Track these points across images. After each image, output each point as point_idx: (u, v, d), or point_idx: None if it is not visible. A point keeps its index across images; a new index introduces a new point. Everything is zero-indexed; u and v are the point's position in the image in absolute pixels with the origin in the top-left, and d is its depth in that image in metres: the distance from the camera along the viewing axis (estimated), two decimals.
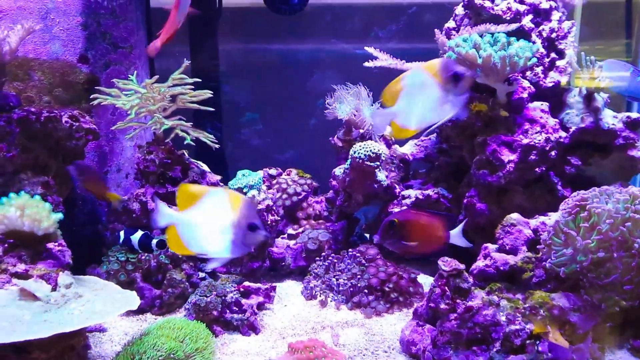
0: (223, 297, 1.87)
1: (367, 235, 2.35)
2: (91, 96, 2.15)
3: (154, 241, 1.93)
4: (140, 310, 2.02)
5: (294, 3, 2.69)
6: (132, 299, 1.67)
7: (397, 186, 2.29)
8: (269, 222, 2.15)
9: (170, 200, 2.17)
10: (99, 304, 1.59)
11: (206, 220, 1.33)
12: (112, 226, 2.17)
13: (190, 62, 2.90)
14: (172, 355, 1.53)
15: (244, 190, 2.10)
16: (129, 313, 2.02)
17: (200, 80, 2.24)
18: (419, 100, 1.50)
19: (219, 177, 2.32)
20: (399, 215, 1.70)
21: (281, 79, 3.29)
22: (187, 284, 2.04)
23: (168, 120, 2.14)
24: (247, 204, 1.34)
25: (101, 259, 2.09)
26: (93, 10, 2.32)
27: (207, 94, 2.17)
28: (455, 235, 1.65)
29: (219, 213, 1.32)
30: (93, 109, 2.30)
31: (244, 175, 2.14)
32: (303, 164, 2.97)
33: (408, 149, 2.44)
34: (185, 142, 2.12)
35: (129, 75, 2.24)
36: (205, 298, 1.84)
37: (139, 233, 1.99)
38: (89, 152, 2.30)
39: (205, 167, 2.34)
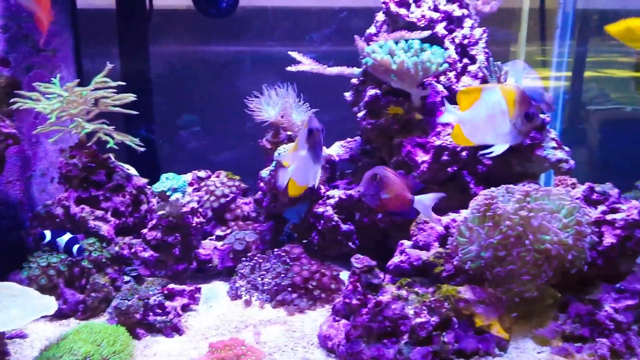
0: (145, 300, 1.88)
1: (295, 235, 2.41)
2: (11, 100, 2.12)
3: (75, 247, 1.93)
4: (63, 315, 2.02)
5: (222, 7, 2.72)
6: (50, 304, 1.67)
7: (322, 187, 2.36)
8: (193, 225, 2.18)
9: (94, 204, 2.18)
10: (15, 310, 1.59)
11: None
12: (34, 231, 2.15)
13: (120, 64, 2.91)
14: (88, 359, 1.54)
15: (168, 194, 2.12)
16: (52, 318, 2.01)
17: (125, 83, 2.24)
18: (487, 118, 1.58)
19: (145, 180, 2.33)
20: (379, 171, 1.78)
21: (217, 81, 3.31)
22: (111, 288, 2.04)
23: (90, 124, 2.13)
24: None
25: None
26: (14, 13, 2.28)
27: (130, 97, 2.18)
28: (419, 201, 1.73)
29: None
30: (15, 113, 2.26)
31: (167, 178, 2.16)
32: (239, 165, 3.01)
33: (334, 150, 2.50)
34: (108, 146, 2.12)
35: (52, 79, 2.22)
36: (126, 301, 1.85)
37: (67, 236, 1.99)
38: (10, 157, 2.26)
39: (132, 170, 2.35)
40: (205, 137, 3.48)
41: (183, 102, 3.38)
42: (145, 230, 2.16)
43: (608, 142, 3.28)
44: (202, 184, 2.53)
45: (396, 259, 1.93)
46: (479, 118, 1.58)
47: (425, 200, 1.70)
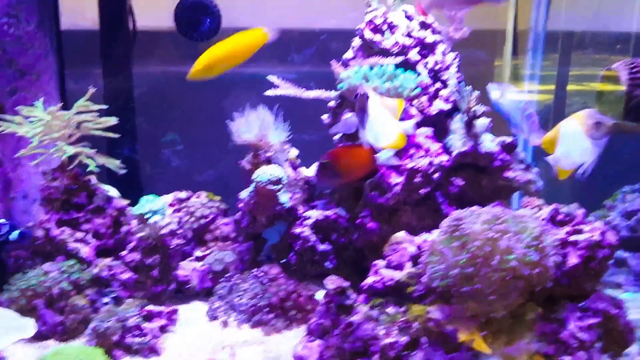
0: (124, 322, 1.92)
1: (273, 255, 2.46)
2: None
3: (15, 232, 1.97)
4: (43, 337, 2.04)
5: (203, 30, 2.77)
6: (29, 326, 1.70)
7: (300, 207, 2.41)
8: (172, 246, 2.22)
9: (74, 226, 2.21)
10: None
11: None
12: (14, 254, 2.17)
13: (103, 84, 2.95)
14: None
15: (147, 216, 2.16)
16: (32, 340, 2.03)
17: (108, 106, 2.29)
18: (571, 145, 1.84)
19: (126, 202, 2.37)
20: (328, 155, 1.85)
21: (201, 101, 3.36)
22: (90, 309, 2.07)
23: (72, 147, 2.17)
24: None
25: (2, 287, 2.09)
26: None
27: (111, 120, 2.23)
28: (382, 156, 1.84)
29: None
30: None
31: (147, 201, 2.20)
32: (222, 185, 3.04)
33: (313, 171, 2.55)
34: (88, 170, 2.16)
35: (35, 102, 2.26)
36: (104, 323, 1.88)
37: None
38: None
39: (113, 192, 2.38)
40: (188, 156, 3.52)
41: (166, 122, 3.43)
42: (124, 253, 2.20)
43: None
44: (183, 204, 2.56)
45: (370, 279, 1.97)
46: (568, 150, 1.85)
47: (384, 153, 1.89)
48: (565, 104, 3.37)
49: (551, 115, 3.34)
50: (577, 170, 1.92)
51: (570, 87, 3.37)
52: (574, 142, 1.84)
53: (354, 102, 1.81)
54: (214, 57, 2.01)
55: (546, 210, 1.94)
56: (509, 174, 2.19)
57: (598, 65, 3.31)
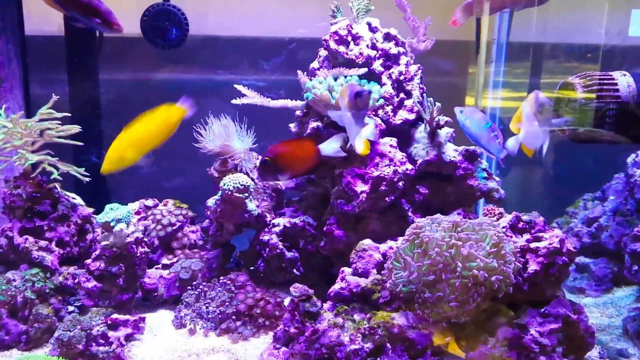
0: (88, 331, 1.90)
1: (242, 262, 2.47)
2: None
3: None
4: (6, 346, 2.01)
5: (170, 38, 2.77)
6: None
7: (268, 215, 2.42)
8: (138, 255, 2.20)
9: (38, 234, 2.19)
10: None
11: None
12: None
13: (69, 90, 2.92)
14: None
15: (112, 225, 2.14)
16: None
17: (70, 114, 2.27)
18: (527, 125, 1.98)
19: (91, 210, 2.35)
20: (269, 153, 1.85)
21: None
22: (54, 318, 2.05)
23: (34, 155, 2.15)
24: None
25: None
26: None
27: (74, 128, 2.21)
28: (325, 148, 1.87)
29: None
30: None
31: (111, 209, 2.18)
32: (190, 192, 3.03)
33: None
34: (52, 177, 2.14)
35: None
36: (68, 332, 1.86)
37: None
38: None
39: (78, 200, 2.36)
40: (156, 163, 3.49)
41: None
42: (89, 261, 2.18)
43: (562, 161, 3.41)
44: (149, 212, 2.55)
45: (337, 285, 2.00)
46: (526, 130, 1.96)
47: (327, 145, 1.94)
48: None
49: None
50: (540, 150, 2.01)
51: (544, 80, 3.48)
52: (529, 122, 1.95)
53: (355, 101, 1.83)
54: (122, 148, 1.89)
55: (507, 218, 2.00)
56: (472, 182, 2.24)
57: (568, 74, 3.43)
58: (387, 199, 2.17)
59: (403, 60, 2.34)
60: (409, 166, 2.21)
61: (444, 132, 2.26)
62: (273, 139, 2.82)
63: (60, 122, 2.21)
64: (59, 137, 2.21)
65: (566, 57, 3.32)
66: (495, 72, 3.25)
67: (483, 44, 3.19)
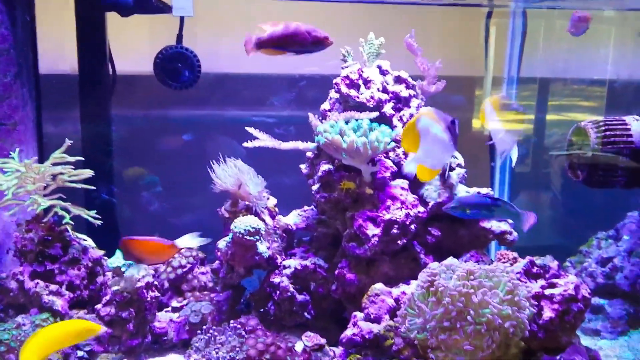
0: None
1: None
2: None
3: None
4: None
5: (183, 80, 2.80)
6: None
7: (279, 256, 2.41)
8: (148, 299, 2.19)
9: (49, 278, 2.18)
10: None
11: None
12: None
13: (81, 127, 2.95)
14: None
15: (123, 269, 2.14)
16: None
17: (83, 158, 2.29)
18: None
19: (102, 252, 2.35)
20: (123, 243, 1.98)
21: (180, 145, 3.38)
22: None
23: (46, 199, 2.16)
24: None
25: None
26: None
27: (87, 173, 2.23)
28: (182, 241, 1.99)
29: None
30: None
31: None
32: (201, 229, 3.02)
33: (291, 219, 2.56)
34: (64, 222, 2.15)
35: (11, 153, 2.26)
36: None
37: None
38: None
39: (89, 242, 2.36)
40: (167, 200, 3.50)
41: (146, 165, 3.42)
42: (99, 306, 2.17)
43: (569, 188, 3.35)
44: None
45: (349, 331, 1.98)
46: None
47: (186, 242, 2.01)
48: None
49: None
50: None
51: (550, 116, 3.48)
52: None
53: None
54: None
55: (521, 263, 1.97)
56: (485, 224, 2.23)
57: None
58: (399, 242, 2.15)
59: (414, 102, 2.35)
60: (421, 209, 2.20)
61: (456, 174, 2.26)
62: (284, 176, 2.83)
63: (73, 167, 2.23)
64: (72, 181, 2.22)
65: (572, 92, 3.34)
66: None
67: (488, 78, 3.21)
